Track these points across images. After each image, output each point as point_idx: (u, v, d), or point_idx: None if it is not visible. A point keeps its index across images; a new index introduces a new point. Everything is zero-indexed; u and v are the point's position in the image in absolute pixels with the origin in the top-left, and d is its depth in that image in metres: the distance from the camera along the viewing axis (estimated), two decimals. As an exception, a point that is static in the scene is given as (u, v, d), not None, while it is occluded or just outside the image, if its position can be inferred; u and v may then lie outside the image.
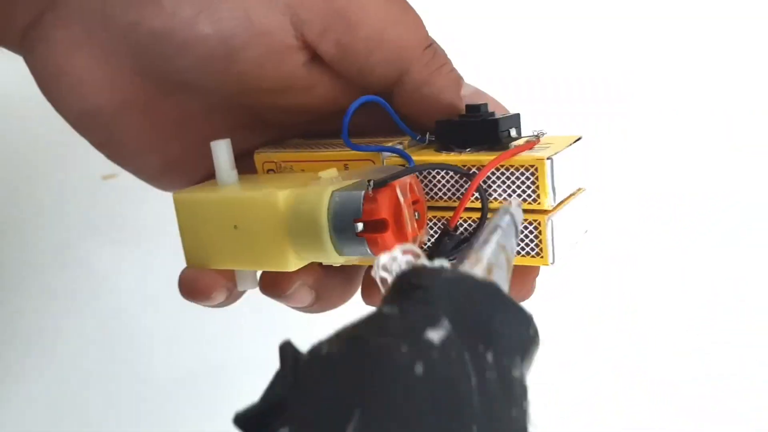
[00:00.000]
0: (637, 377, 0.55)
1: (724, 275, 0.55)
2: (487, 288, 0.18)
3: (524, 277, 0.30)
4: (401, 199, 0.25)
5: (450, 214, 0.28)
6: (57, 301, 0.51)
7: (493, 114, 0.29)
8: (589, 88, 0.53)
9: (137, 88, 0.31)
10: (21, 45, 0.32)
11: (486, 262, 0.19)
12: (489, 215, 0.27)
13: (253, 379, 0.54)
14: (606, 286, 0.54)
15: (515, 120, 0.29)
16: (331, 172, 0.28)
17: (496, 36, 0.52)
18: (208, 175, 0.34)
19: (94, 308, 0.49)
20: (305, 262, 0.28)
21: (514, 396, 0.16)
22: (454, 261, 0.28)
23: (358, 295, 0.34)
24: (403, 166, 0.28)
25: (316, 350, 0.16)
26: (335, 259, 0.27)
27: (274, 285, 0.31)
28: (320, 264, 0.32)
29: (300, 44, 0.29)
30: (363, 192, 0.25)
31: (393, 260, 0.19)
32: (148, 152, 0.33)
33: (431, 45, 0.30)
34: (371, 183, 0.25)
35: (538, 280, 0.29)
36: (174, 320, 0.48)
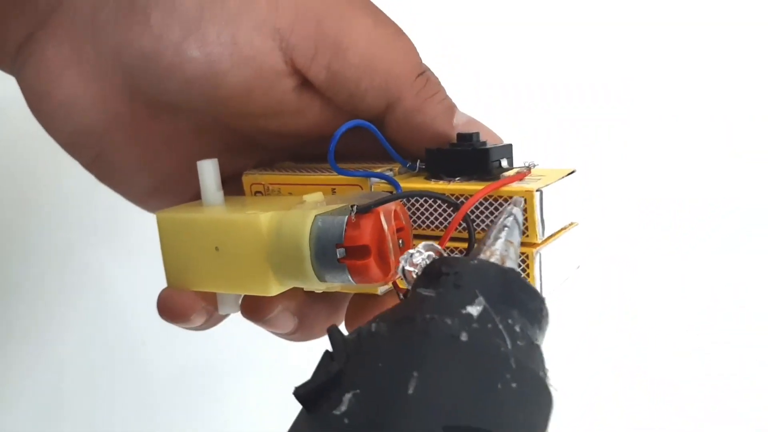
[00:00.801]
0: (638, 379, 0.54)
1: (724, 279, 0.54)
2: (509, 272, 0.21)
3: None
4: (385, 226, 0.25)
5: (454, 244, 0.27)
6: (56, 302, 0.50)
7: (484, 143, 0.28)
8: (588, 95, 0.52)
9: (126, 108, 0.31)
10: (13, 64, 0.32)
11: (499, 254, 0.22)
12: (476, 246, 0.26)
13: (246, 378, 0.53)
14: (607, 290, 0.54)
15: (507, 150, 0.28)
16: (317, 196, 0.27)
17: (495, 43, 0.51)
18: (197, 196, 0.34)
19: (94, 309, 0.49)
20: (286, 288, 0.27)
21: (538, 360, 0.19)
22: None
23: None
24: (391, 192, 0.28)
25: (364, 330, 0.19)
26: (316, 286, 0.26)
27: (255, 309, 0.30)
28: (303, 290, 0.31)
29: (289, 69, 0.29)
30: (346, 217, 0.25)
31: (419, 254, 0.22)
32: (137, 172, 0.33)
33: (424, 72, 0.30)
34: (354, 208, 0.24)
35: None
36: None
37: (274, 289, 0.27)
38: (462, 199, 0.26)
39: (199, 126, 0.32)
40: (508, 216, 0.23)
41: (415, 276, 0.22)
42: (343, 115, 0.31)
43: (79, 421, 0.50)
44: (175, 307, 0.29)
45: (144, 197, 0.34)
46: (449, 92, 0.31)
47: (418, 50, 0.31)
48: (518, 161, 0.29)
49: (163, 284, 0.30)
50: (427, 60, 0.31)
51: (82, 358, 0.51)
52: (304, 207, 0.26)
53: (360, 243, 0.24)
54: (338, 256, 0.25)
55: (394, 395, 0.17)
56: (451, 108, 0.31)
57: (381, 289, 0.29)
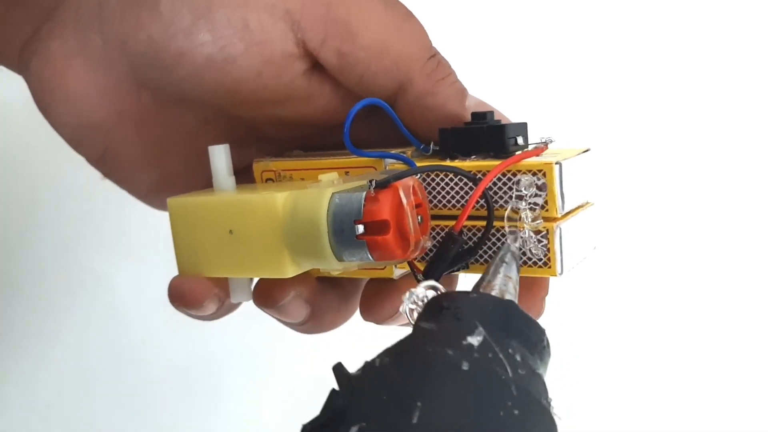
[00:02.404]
0: (639, 381, 0.54)
1: (724, 282, 0.53)
2: (508, 304, 0.22)
3: (534, 296, 0.29)
4: (404, 200, 0.24)
5: (453, 222, 0.26)
6: (56, 302, 0.50)
7: (499, 121, 0.28)
8: (594, 95, 0.52)
9: (133, 100, 0.31)
10: (19, 61, 0.31)
11: (498, 288, 0.23)
12: (495, 224, 0.26)
13: (247, 378, 0.52)
14: (609, 292, 0.53)
15: (522, 128, 0.28)
16: (332, 176, 0.27)
17: (500, 42, 0.51)
18: (202, 188, 0.33)
19: (94, 309, 0.49)
20: (302, 269, 0.27)
21: (541, 388, 0.20)
22: (455, 271, 0.27)
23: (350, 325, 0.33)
24: (407, 173, 0.27)
25: (368, 365, 0.19)
26: (333, 265, 0.25)
27: (268, 296, 0.30)
28: (317, 279, 0.31)
29: (300, 52, 0.29)
30: (364, 193, 0.24)
31: (418, 294, 0.23)
32: (143, 167, 0.33)
33: (434, 55, 0.30)
34: (373, 182, 0.24)
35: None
36: (173, 321, 0.48)
37: (290, 271, 0.26)
38: (480, 174, 0.26)
39: (205, 118, 0.32)
40: (506, 252, 0.24)
41: (416, 313, 0.23)
42: (353, 100, 0.30)
43: (80, 422, 0.50)
44: (187, 293, 0.29)
45: (150, 192, 0.34)
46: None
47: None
48: (531, 140, 0.29)
49: (164, 284, 0.29)
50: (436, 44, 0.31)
51: (82, 358, 0.50)
52: (320, 186, 0.26)
53: (379, 218, 0.24)
54: (357, 232, 0.24)
55: (398, 426, 0.17)
56: (463, 90, 0.31)
57: (396, 273, 0.29)
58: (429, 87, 0.29)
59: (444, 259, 0.26)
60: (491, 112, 0.28)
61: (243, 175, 0.33)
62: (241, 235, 0.27)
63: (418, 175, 0.27)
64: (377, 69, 0.29)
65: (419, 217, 0.25)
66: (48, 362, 0.50)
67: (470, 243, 0.27)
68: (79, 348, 0.51)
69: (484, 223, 0.26)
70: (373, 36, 0.28)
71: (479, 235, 0.27)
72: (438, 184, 0.27)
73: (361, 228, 0.24)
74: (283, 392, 0.51)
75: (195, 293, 0.28)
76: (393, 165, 0.28)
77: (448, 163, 0.27)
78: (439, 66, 0.30)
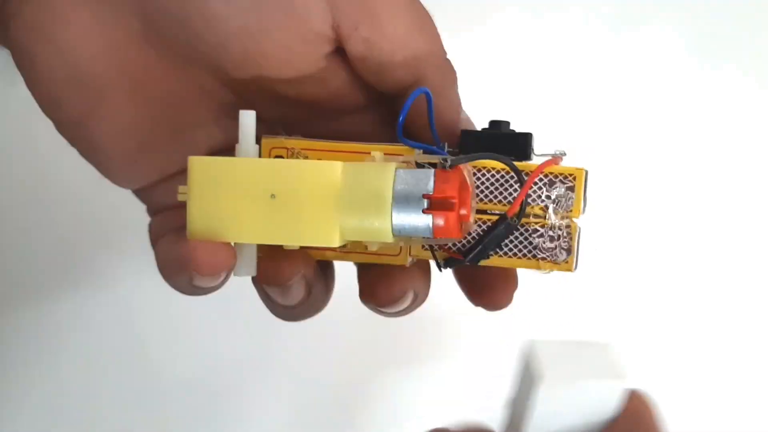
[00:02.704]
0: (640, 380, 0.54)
1: (725, 284, 0.54)
2: None
3: (508, 288, 0.31)
4: (469, 181, 0.26)
5: (482, 216, 0.28)
6: (58, 301, 0.46)
7: (513, 130, 0.31)
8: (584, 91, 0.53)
9: (137, 58, 0.29)
10: (1, 22, 0.28)
11: None
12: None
13: (255, 378, 0.49)
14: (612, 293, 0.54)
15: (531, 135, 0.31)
16: (380, 155, 0.27)
17: (491, 46, 0.53)
18: (179, 167, 0.32)
19: (95, 308, 0.45)
20: (344, 242, 0.27)
21: None
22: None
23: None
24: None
25: None
26: (386, 239, 0.26)
27: (276, 272, 0.29)
28: (316, 260, 0.30)
29: (331, 35, 0.29)
30: (433, 170, 0.25)
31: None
32: (126, 134, 0.30)
33: (447, 59, 0.32)
34: (449, 160, 0.25)
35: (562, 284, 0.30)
36: (178, 321, 0.46)
37: (338, 240, 0.26)
38: (524, 174, 0.28)
39: (204, 87, 0.31)
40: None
41: None
42: (363, 90, 0.31)
43: (80, 422, 0.47)
44: (207, 258, 0.26)
45: (122, 165, 0.31)
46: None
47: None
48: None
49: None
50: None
51: (83, 357, 0.47)
52: (377, 160, 0.26)
53: (449, 194, 0.25)
54: (423, 206, 0.25)
55: None
56: (461, 102, 0.33)
57: (408, 261, 0.30)
58: (441, 87, 0.31)
59: (494, 240, 0.27)
60: (508, 122, 0.31)
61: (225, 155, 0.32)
62: (286, 199, 0.26)
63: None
64: (398, 61, 0.30)
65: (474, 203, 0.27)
66: (49, 362, 0.47)
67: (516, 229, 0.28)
68: (79, 347, 0.47)
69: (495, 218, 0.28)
70: (399, 29, 0.30)
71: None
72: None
73: (426, 203, 0.25)
74: (288, 394, 0.48)
75: (217, 260, 0.27)
76: (427, 158, 0.29)
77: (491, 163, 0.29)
78: (451, 69, 0.32)
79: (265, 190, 0.26)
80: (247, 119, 0.28)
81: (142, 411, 0.47)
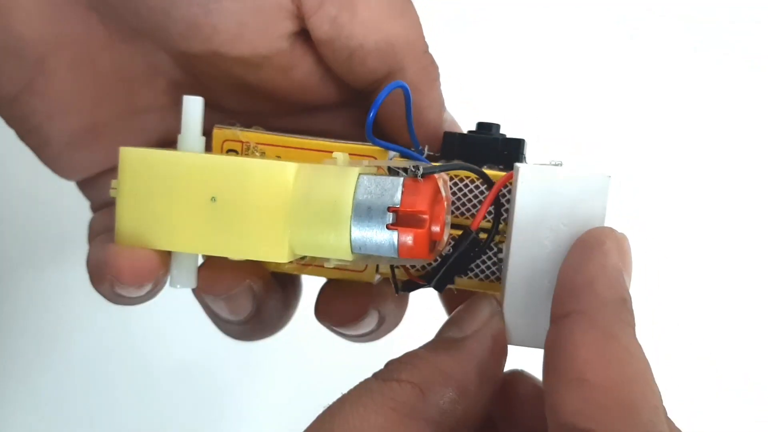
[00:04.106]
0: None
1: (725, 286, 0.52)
2: None
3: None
4: (444, 194, 0.22)
5: (456, 232, 0.25)
6: (57, 300, 0.46)
7: (504, 134, 0.27)
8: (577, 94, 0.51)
9: (79, 25, 0.25)
10: None
11: None
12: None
13: (249, 377, 0.47)
14: None
15: (524, 144, 0.27)
16: (344, 156, 0.23)
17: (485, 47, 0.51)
18: None
19: (95, 308, 0.42)
20: (297, 256, 0.23)
21: None
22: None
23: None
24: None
25: None
26: (344, 255, 0.22)
27: (217, 280, 0.25)
28: (270, 272, 0.27)
29: (293, 10, 0.25)
30: (402, 179, 0.22)
31: None
32: (68, 113, 0.26)
33: (428, 51, 0.28)
34: (420, 169, 0.21)
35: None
36: (176, 317, 0.44)
37: (287, 255, 0.22)
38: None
39: (155, 66, 0.27)
40: None
41: None
42: (332, 82, 0.27)
43: (81, 422, 0.46)
44: (129, 268, 0.23)
45: (66, 149, 0.27)
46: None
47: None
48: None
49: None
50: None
51: (83, 356, 0.46)
52: (339, 163, 0.23)
53: (419, 209, 0.21)
54: (387, 221, 0.21)
55: None
56: (443, 101, 0.29)
57: (376, 278, 0.26)
58: (422, 82, 0.27)
59: (462, 260, 0.23)
60: (498, 125, 0.27)
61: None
62: (229, 204, 0.22)
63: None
64: (371, 48, 0.26)
65: (448, 218, 0.23)
66: (49, 361, 0.46)
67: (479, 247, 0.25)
68: (79, 347, 0.46)
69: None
70: (374, 12, 0.26)
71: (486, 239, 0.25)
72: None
73: (393, 216, 0.21)
74: (287, 393, 0.48)
75: (140, 269, 0.23)
76: (399, 159, 0.25)
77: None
78: (432, 64, 0.28)
79: (204, 192, 0.22)
80: (192, 105, 0.24)
81: (142, 410, 0.46)
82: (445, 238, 0.23)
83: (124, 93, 0.27)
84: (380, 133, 0.28)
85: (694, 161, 0.50)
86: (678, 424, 0.22)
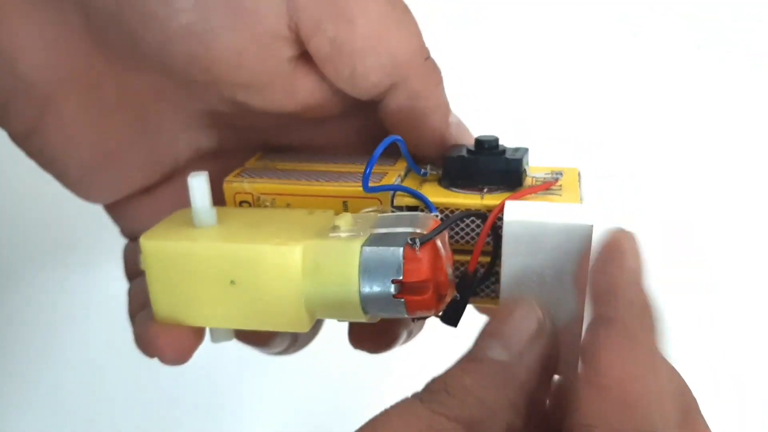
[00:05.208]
0: None
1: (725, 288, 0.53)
2: None
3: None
4: (443, 255, 0.23)
5: (465, 257, 0.26)
6: (57, 300, 0.47)
7: (504, 150, 0.27)
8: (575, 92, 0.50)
9: (84, 60, 0.26)
10: None
11: None
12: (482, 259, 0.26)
13: (251, 378, 0.49)
14: None
15: (526, 154, 0.27)
16: (347, 219, 0.24)
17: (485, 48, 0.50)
18: (145, 179, 0.30)
19: (96, 307, 0.45)
20: (318, 318, 0.25)
21: None
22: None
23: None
24: (417, 207, 0.26)
25: None
26: (359, 318, 0.24)
27: (258, 337, 0.27)
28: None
29: (291, 35, 0.25)
30: (401, 249, 0.23)
31: None
32: (81, 144, 0.28)
33: (429, 57, 0.28)
34: (417, 241, 0.22)
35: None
36: None
37: (309, 324, 0.24)
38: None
39: (161, 91, 0.28)
40: None
41: None
42: (337, 98, 0.28)
43: (81, 422, 0.47)
44: (168, 348, 0.25)
45: (84, 176, 0.29)
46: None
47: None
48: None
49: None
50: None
51: (83, 356, 0.47)
52: (341, 234, 0.24)
53: (421, 279, 0.22)
54: (393, 292, 0.23)
55: None
56: (448, 104, 0.29)
57: None
58: (423, 91, 0.27)
59: (463, 302, 0.25)
60: (497, 139, 0.27)
61: (194, 165, 0.30)
62: (247, 287, 0.24)
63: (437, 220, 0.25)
64: (372, 64, 0.26)
65: (450, 268, 0.24)
66: (48, 362, 0.47)
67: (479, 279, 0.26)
68: (80, 347, 0.47)
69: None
70: (373, 26, 0.25)
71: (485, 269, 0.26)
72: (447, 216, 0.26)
73: (398, 287, 0.23)
74: (287, 393, 0.49)
75: (178, 349, 0.25)
76: (402, 196, 0.26)
77: (463, 197, 0.26)
78: (434, 69, 0.28)
79: (223, 278, 0.24)
80: (197, 183, 0.25)
81: (142, 410, 0.48)
82: (450, 273, 0.24)
83: (133, 120, 0.28)
84: (390, 146, 0.28)
85: (697, 159, 0.49)
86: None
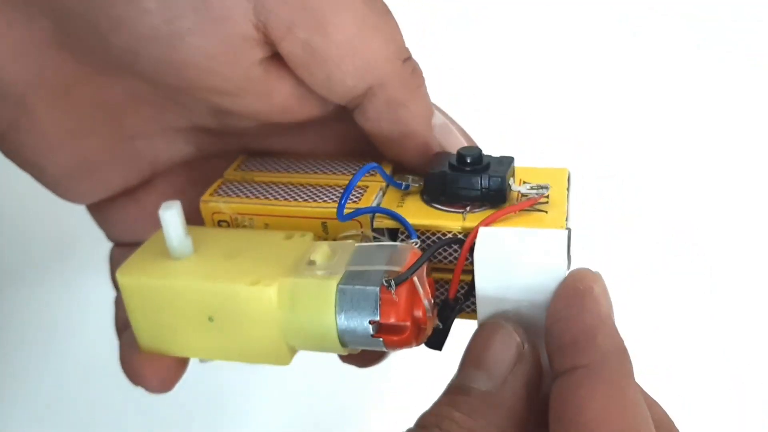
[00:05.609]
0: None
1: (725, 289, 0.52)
2: None
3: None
4: (420, 292, 0.23)
5: (447, 275, 0.25)
6: (56, 298, 0.47)
7: (489, 163, 0.26)
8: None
9: (54, 64, 0.25)
10: None
11: None
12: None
13: (251, 379, 0.50)
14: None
15: (511, 166, 0.26)
16: (323, 251, 0.24)
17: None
18: (124, 183, 0.30)
19: (95, 307, 0.44)
20: (300, 350, 0.25)
21: None
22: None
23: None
24: (398, 230, 0.25)
25: None
26: (339, 351, 0.24)
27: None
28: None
29: (260, 38, 0.24)
30: (377, 289, 0.22)
31: None
32: (58, 147, 0.27)
33: (409, 59, 0.26)
34: (392, 282, 0.22)
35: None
36: None
37: (289, 359, 0.24)
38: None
39: (137, 95, 0.27)
40: None
41: None
42: (314, 102, 0.27)
43: (80, 422, 0.48)
44: (151, 378, 0.25)
45: (63, 178, 0.28)
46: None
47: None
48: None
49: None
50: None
51: (83, 356, 0.47)
52: (316, 270, 0.23)
53: (398, 320, 0.22)
54: (371, 332, 0.22)
55: None
56: (431, 107, 0.28)
57: None
58: (403, 94, 0.26)
59: (446, 330, 0.25)
60: (480, 153, 0.26)
61: (172, 173, 0.30)
62: (225, 323, 0.24)
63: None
64: (348, 69, 0.25)
65: (428, 302, 0.24)
66: (48, 362, 0.47)
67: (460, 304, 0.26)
68: (79, 347, 0.48)
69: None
70: (348, 31, 0.24)
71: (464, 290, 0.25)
72: (429, 238, 0.25)
73: (375, 327, 0.22)
74: (286, 393, 0.49)
75: (164, 379, 0.26)
76: (382, 218, 0.25)
77: (444, 219, 0.25)
78: (414, 72, 0.26)
79: (201, 313, 0.24)
80: (169, 215, 0.24)
81: (142, 411, 0.47)
82: (434, 317, 0.24)
83: (109, 122, 0.28)
84: (373, 152, 0.27)
85: (697, 159, 0.47)
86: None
